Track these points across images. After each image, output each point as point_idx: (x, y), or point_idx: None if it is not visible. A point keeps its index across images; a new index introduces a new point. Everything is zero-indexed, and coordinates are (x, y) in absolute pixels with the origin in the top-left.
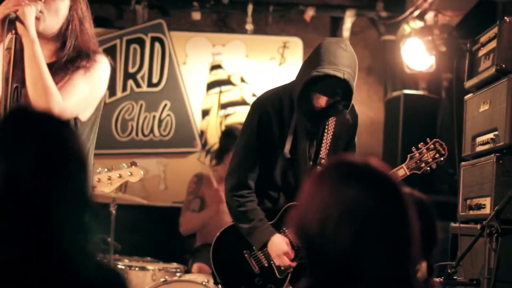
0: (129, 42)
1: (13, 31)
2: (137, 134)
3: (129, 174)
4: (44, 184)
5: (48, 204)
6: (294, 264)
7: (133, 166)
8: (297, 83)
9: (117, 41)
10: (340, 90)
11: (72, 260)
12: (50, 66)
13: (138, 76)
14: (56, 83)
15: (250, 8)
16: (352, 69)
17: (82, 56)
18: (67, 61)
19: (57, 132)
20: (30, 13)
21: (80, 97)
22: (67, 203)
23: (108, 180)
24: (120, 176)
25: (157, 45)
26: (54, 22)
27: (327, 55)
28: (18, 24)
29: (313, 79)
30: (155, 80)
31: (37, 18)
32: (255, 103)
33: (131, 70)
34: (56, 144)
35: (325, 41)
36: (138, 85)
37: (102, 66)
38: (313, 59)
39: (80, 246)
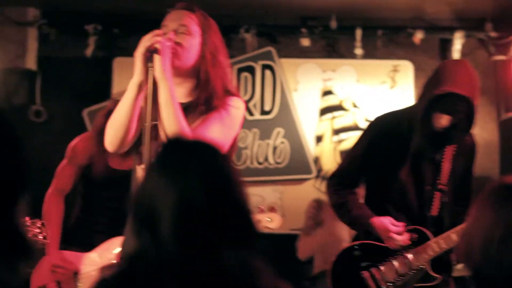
0: (240, 71)
1: (150, 66)
2: (251, 162)
3: (269, 220)
4: (215, 204)
5: (219, 225)
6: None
7: (272, 212)
8: (419, 104)
9: None
10: (462, 108)
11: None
12: (187, 106)
13: (251, 104)
14: (191, 124)
15: (358, 32)
16: (473, 88)
17: (217, 96)
18: (202, 101)
19: (216, 158)
20: (166, 49)
21: (213, 139)
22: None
23: None
24: (259, 222)
25: (267, 73)
26: (187, 58)
27: (447, 75)
28: (155, 59)
29: (435, 99)
30: (267, 107)
31: (172, 54)
32: (372, 122)
33: (244, 98)
34: (219, 168)
35: (445, 62)
36: (251, 113)
37: (237, 111)
38: (433, 80)
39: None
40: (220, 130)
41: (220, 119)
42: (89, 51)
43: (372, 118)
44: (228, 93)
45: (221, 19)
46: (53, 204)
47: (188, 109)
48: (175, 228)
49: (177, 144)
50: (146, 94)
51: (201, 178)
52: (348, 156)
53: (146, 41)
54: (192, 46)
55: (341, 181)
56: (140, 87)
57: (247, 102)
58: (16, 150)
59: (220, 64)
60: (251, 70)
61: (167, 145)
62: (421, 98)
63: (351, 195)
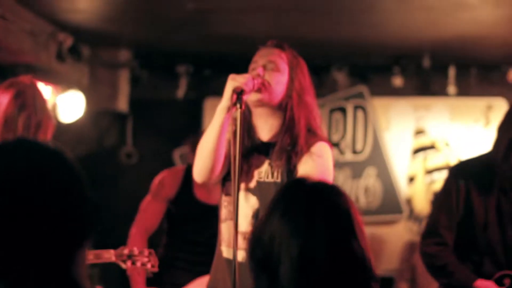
0: (331, 111)
1: (239, 105)
2: None
3: None
4: (335, 256)
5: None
6: None
7: None
8: (497, 145)
9: (320, 110)
10: None
11: None
12: (269, 145)
13: (342, 144)
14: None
15: (452, 71)
16: None
17: (301, 136)
18: (287, 143)
19: (340, 202)
20: (250, 85)
21: (329, 176)
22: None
23: None
24: None
25: (359, 113)
26: (274, 95)
27: None
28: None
29: None
30: (359, 147)
31: (259, 90)
32: (452, 169)
33: (335, 138)
34: (342, 214)
35: None
36: (342, 153)
37: (329, 152)
38: (509, 119)
39: None
40: (322, 175)
41: (318, 165)
42: (180, 93)
43: (464, 159)
44: (314, 134)
45: (313, 58)
46: (136, 244)
47: (270, 148)
48: (294, 276)
49: (301, 186)
50: (234, 129)
51: (326, 226)
52: (437, 211)
53: (235, 81)
54: (280, 83)
55: (436, 241)
56: (228, 111)
57: (338, 142)
58: (77, 196)
59: (306, 104)
60: (342, 110)
61: (291, 186)
62: (498, 139)
63: (450, 257)
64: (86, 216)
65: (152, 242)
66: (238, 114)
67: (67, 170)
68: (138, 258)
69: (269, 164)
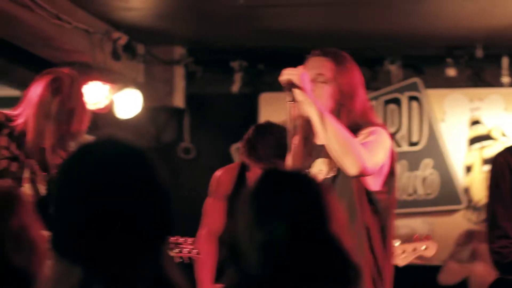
0: (386, 103)
1: (291, 98)
2: (401, 194)
3: (424, 248)
4: (301, 243)
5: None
6: None
7: (428, 240)
8: None
9: (374, 103)
10: None
11: None
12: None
13: (398, 136)
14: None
15: (505, 60)
16: None
17: (361, 126)
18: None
19: (308, 189)
20: (304, 78)
21: (382, 151)
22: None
23: (402, 253)
24: (415, 250)
25: (414, 104)
26: (324, 106)
27: None
28: (295, 91)
29: None
30: (415, 139)
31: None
32: (498, 157)
33: (391, 130)
34: (309, 201)
35: None
36: (398, 145)
37: (385, 135)
38: None
39: None
40: (379, 151)
41: (375, 136)
42: (235, 88)
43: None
44: (370, 124)
45: (365, 51)
46: (205, 246)
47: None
48: (260, 264)
49: (271, 174)
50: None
51: (290, 213)
52: (493, 203)
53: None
54: (328, 93)
55: (498, 234)
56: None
57: (394, 134)
58: (160, 192)
59: (358, 104)
60: (397, 102)
61: (262, 175)
62: None
63: None
64: (168, 210)
65: None
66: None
67: (150, 169)
68: (183, 246)
69: (327, 162)
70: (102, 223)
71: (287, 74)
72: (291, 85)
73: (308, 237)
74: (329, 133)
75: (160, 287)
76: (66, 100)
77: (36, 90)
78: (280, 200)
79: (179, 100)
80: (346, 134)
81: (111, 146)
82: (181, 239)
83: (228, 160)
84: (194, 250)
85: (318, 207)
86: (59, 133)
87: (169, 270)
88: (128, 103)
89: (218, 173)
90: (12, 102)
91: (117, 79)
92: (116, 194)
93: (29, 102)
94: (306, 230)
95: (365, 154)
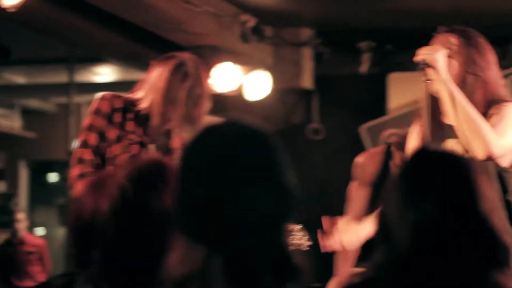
0: None
1: (426, 77)
2: None
3: None
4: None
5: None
6: None
7: None
8: None
9: (504, 81)
10: None
11: None
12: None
13: None
14: None
15: None
16: None
17: (495, 102)
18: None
19: (459, 169)
20: (439, 58)
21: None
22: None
23: None
24: None
25: None
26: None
27: None
28: (430, 70)
29: None
30: None
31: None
32: None
33: None
34: (460, 181)
35: None
36: None
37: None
38: None
39: None
40: (510, 133)
41: (505, 123)
42: (363, 68)
43: None
44: (499, 103)
45: (494, 30)
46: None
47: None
48: (410, 243)
49: (420, 153)
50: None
51: (440, 193)
52: None
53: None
54: (456, 67)
55: None
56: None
57: None
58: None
59: (487, 81)
60: None
61: (412, 157)
62: None
63: None
64: (289, 192)
65: None
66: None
67: (272, 150)
68: (294, 233)
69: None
70: (223, 203)
71: (422, 54)
72: (425, 65)
73: (458, 216)
74: (459, 114)
75: (278, 267)
76: (194, 85)
77: (162, 74)
78: (432, 179)
79: (307, 82)
80: (476, 116)
81: (233, 128)
82: (291, 226)
83: (356, 141)
84: (304, 238)
85: (469, 186)
86: (183, 117)
87: (288, 252)
88: (257, 85)
89: (361, 158)
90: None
91: (246, 62)
92: (237, 175)
93: (154, 87)
94: (456, 209)
95: (494, 139)
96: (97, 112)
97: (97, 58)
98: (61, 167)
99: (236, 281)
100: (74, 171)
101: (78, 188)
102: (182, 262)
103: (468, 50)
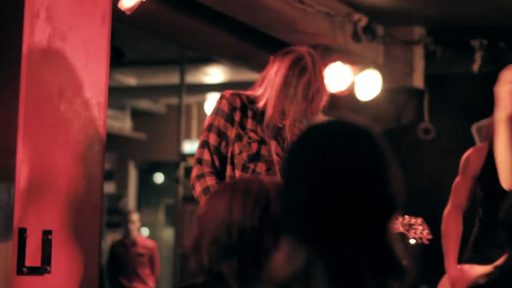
0: None
1: None
2: None
3: None
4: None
5: None
6: None
7: None
8: None
9: None
10: None
11: None
12: None
13: None
14: None
15: None
16: None
17: None
18: None
19: None
20: None
21: None
22: None
23: None
24: None
25: None
26: None
27: None
28: None
29: None
30: None
31: None
32: None
33: None
34: None
35: None
36: None
37: None
38: None
39: None
40: None
41: None
42: (475, 67)
43: None
44: None
45: None
46: (451, 221)
47: None
48: None
49: None
50: None
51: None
52: None
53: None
54: None
55: None
56: (509, 120)
57: None
58: (382, 170)
59: None
60: None
61: None
62: None
63: None
64: (391, 193)
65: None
66: None
67: (376, 149)
68: (416, 227)
69: None
70: (325, 203)
71: None
72: None
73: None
74: (503, 164)
75: (383, 266)
76: (312, 79)
77: (279, 70)
78: None
79: (418, 81)
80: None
81: (337, 126)
82: (413, 220)
83: (468, 140)
84: (425, 231)
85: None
86: (300, 112)
87: (394, 250)
88: (368, 84)
89: (468, 152)
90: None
91: (357, 61)
92: (340, 174)
93: (272, 83)
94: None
95: None
96: (217, 111)
97: (208, 59)
98: (171, 167)
99: (339, 284)
100: (194, 171)
101: (198, 189)
102: (286, 264)
103: None
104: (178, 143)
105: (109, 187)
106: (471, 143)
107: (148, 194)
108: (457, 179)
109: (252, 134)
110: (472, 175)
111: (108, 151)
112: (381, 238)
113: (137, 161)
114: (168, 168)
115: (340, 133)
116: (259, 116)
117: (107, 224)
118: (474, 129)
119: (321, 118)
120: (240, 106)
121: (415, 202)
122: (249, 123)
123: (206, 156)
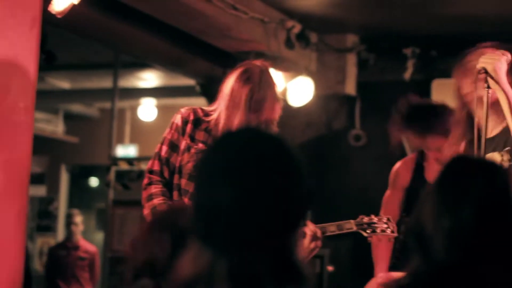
0: None
1: (486, 85)
2: None
3: None
4: (487, 229)
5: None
6: None
7: None
8: None
9: None
10: None
11: None
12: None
13: None
14: None
15: None
16: None
17: None
18: None
19: (496, 178)
20: (500, 68)
21: None
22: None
23: None
24: None
25: None
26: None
27: None
28: (489, 79)
29: None
30: None
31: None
32: None
33: None
34: (496, 190)
35: None
36: None
37: None
38: None
39: None
40: None
41: None
42: (407, 75)
43: None
44: None
45: None
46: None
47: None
48: (447, 249)
49: (459, 163)
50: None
51: (476, 207)
52: None
53: (482, 63)
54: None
55: None
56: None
57: None
58: (292, 179)
59: None
60: None
61: (449, 165)
62: None
63: None
64: (298, 200)
65: None
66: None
67: (286, 157)
68: (377, 225)
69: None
70: (230, 207)
71: (483, 62)
72: (486, 73)
73: (495, 223)
74: None
75: (284, 273)
76: (255, 89)
77: (229, 82)
78: (469, 186)
79: (350, 88)
80: None
81: (249, 135)
82: (375, 218)
83: (399, 147)
84: (388, 229)
85: (506, 195)
86: (248, 122)
87: (296, 257)
88: (300, 91)
89: (396, 166)
90: (189, 91)
91: (290, 68)
92: (246, 180)
93: (223, 95)
94: (493, 216)
95: None
96: (171, 126)
97: (142, 64)
98: (103, 171)
99: (240, 287)
100: (144, 180)
101: (143, 196)
102: (191, 264)
103: None
104: (110, 147)
105: (40, 191)
106: (402, 150)
107: (80, 198)
108: (387, 192)
109: (201, 145)
110: (402, 187)
111: (40, 154)
112: (285, 245)
113: (69, 165)
114: (100, 172)
115: (249, 140)
116: (211, 128)
117: (38, 228)
118: (404, 137)
119: (274, 129)
120: (193, 119)
121: (346, 208)
122: (201, 135)
123: (156, 166)
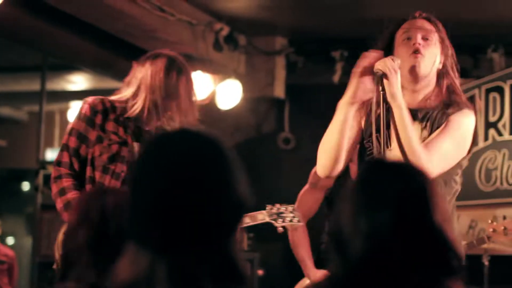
0: (488, 91)
1: (380, 88)
2: (501, 183)
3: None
4: (405, 233)
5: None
6: None
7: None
8: None
9: (476, 91)
10: None
11: None
12: (414, 112)
13: (499, 125)
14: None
15: None
16: None
17: (450, 107)
18: (439, 109)
19: (415, 181)
20: (393, 75)
21: (444, 155)
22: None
23: (504, 230)
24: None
25: None
26: (426, 66)
27: None
28: (385, 81)
29: None
30: None
31: (414, 62)
32: None
33: (492, 119)
34: (416, 193)
35: None
36: (500, 134)
37: (469, 123)
38: None
39: None
40: (452, 145)
41: (451, 133)
42: (336, 77)
43: None
44: (461, 105)
45: (468, 39)
46: (300, 229)
47: (418, 115)
48: (364, 256)
49: (376, 166)
50: (375, 117)
51: (395, 206)
52: None
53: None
54: (432, 55)
55: None
56: (352, 106)
57: (495, 122)
58: (227, 180)
59: (453, 79)
60: (499, 90)
61: (367, 166)
62: None
63: None
64: (236, 201)
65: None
66: (381, 98)
67: (222, 158)
68: (285, 214)
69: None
70: (168, 209)
71: (379, 65)
72: (383, 75)
73: (412, 225)
74: (402, 139)
75: (224, 274)
76: (190, 79)
77: (155, 72)
78: (386, 189)
79: (279, 91)
80: (413, 139)
81: (185, 136)
82: (282, 208)
83: None
84: (295, 219)
85: (423, 197)
86: (183, 111)
87: (236, 258)
88: (228, 94)
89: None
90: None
91: (218, 70)
92: (183, 181)
93: (147, 85)
94: (410, 218)
95: (427, 162)
96: (78, 116)
97: (70, 66)
98: (32, 175)
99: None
100: (52, 173)
101: (54, 190)
102: (129, 267)
103: (445, 40)
104: (38, 151)
105: None
106: None
107: (9, 202)
108: (305, 188)
109: (113, 136)
110: (325, 187)
111: None
112: (223, 245)
113: None
114: (29, 176)
115: (186, 141)
116: (123, 118)
117: None
118: None
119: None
120: (102, 110)
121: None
122: (111, 126)
123: (65, 158)
